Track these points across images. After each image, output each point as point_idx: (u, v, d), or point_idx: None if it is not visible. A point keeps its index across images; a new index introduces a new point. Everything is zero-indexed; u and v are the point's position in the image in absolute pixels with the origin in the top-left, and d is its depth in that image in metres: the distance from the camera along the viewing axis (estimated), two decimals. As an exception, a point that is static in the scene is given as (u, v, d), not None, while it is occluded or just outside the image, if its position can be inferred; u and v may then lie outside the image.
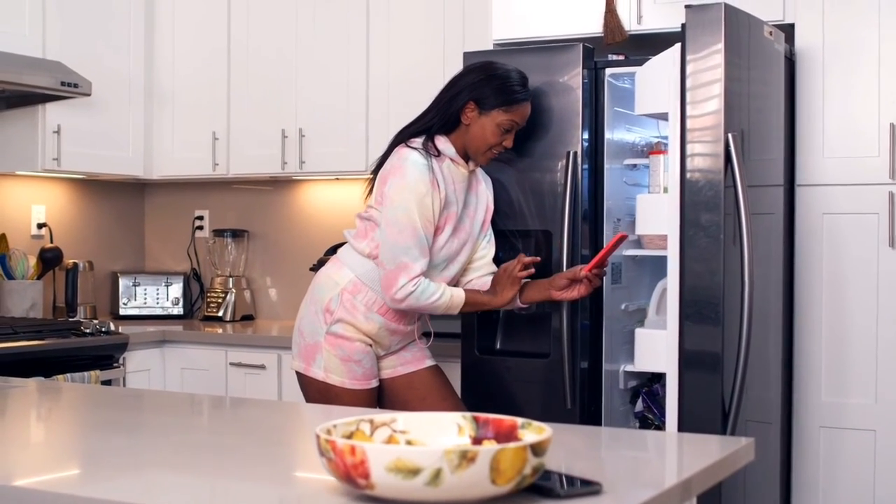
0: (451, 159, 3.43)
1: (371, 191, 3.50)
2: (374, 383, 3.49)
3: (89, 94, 4.55)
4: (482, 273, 3.59)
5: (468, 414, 1.89)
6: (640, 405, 3.83)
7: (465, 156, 3.49)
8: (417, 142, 3.40)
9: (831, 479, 3.77)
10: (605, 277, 3.69)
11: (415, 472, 1.59)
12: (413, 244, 3.30)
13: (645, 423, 3.76)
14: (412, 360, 3.59)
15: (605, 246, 3.48)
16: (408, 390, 3.57)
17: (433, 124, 3.44)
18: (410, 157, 3.34)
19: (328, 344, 3.44)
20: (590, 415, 3.71)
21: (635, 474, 2.06)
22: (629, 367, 3.69)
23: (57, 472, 2.00)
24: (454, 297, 3.40)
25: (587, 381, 3.69)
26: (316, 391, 3.47)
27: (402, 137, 3.46)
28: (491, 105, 3.40)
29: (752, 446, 2.24)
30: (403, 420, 1.89)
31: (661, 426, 3.59)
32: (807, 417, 3.79)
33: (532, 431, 1.80)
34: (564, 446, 2.27)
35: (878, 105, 3.69)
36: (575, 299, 3.48)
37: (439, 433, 1.88)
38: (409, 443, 1.87)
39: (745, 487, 3.54)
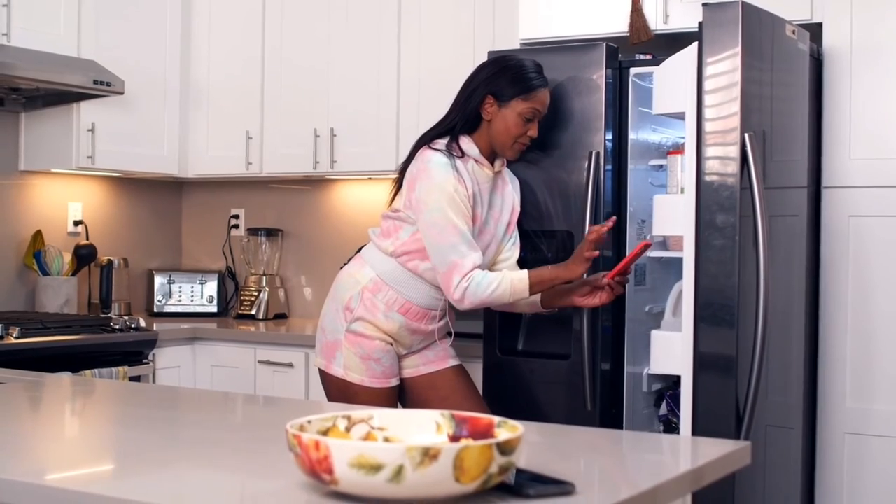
0: (475, 160, 3.41)
1: (397, 191, 3.49)
2: (394, 382, 3.48)
3: (122, 93, 4.60)
4: None
5: (447, 412, 1.88)
6: (664, 408, 3.79)
7: (491, 156, 3.46)
8: (440, 143, 3.39)
9: (856, 486, 3.71)
10: (629, 280, 3.67)
11: (377, 468, 1.58)
12: (458, 241, 3.28)
13: (669, 427, 3.72)
14: (435, 360, 3.58)
15: (628, 253, 3.45)
16: (430, 390, 3.55)
17: (455, 125, 3.43)
18: (434, 159, 3.33)
19: (348, 342, 3.44)
20: (611, 417, 3.68)
21: (616, 476, 2.04)
22: (649, 370, 3.65)
23: (70, 469, 2.01)
24: (515, 283, 3.30)
25: (609, 383, 3.66)
26: (336, 389, 3.48)
27: (425, 140, 3.45)
28: (509, 95, 3.38)
29: (748, 450, 2.21)
30: (381, 417, 1.88)
31: (683, 430, 3.55)
32: (831, 423, 3.73)
33: (507, 430, 1.79)
34: (554, 447, 2.26)
35: (905, 106, 3.64)
36: (596, 306, 3.45)
37: (417, 431, 1.87)
38: (386, 440, 1.86)
39: (765, 493, 3.49)
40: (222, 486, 1.87)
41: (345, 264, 4.62)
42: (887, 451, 3.66)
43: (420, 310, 3.46)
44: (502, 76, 3.39)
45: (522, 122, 3.40)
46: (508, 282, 3.31)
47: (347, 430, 1.85)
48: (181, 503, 1.70)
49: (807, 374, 3.69)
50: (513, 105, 3.38)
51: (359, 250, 4.95)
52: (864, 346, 3.69)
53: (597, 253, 3.30)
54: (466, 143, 3.42)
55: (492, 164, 3.46)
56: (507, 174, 3.59)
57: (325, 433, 1.81)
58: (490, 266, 3.55)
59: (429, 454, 1.58)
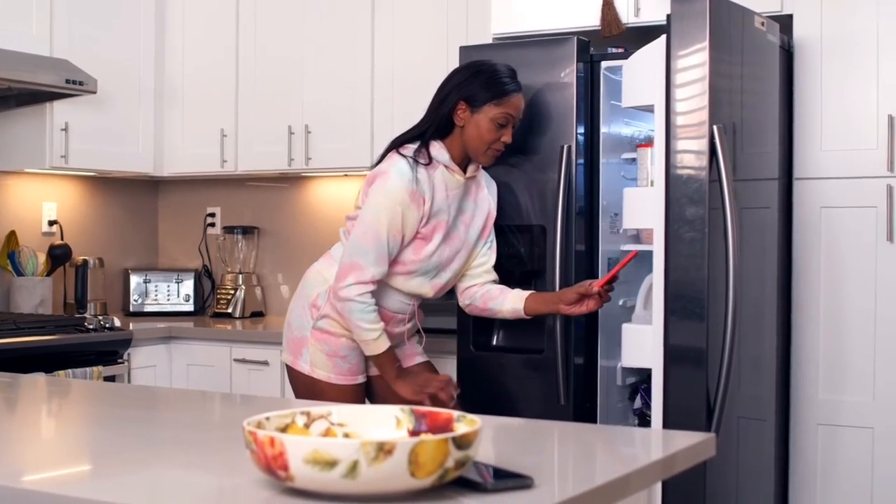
0: (446, 166, 3.38)
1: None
2: (361, 379, 3.48)
3: (95, 92, 4.58)
4: (482, 280, 3.54)
5: (406, 407, 1.88)
6: (638, 402, 3.80)
7: (464, 161, 3.43)
8: (410, 148, 3.36)
9: (829, 476, 3.71)
10: (600, 272, 3.67)
11: (332, 464, 1.58)
12: (371, 248, 3.28)
13: (643, 420, 3.72)
14: (402, 357, 3.56)
15: (618, 263, 3.45)
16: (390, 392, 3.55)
17: (426, 130, 3.39)
18: (397, 165, 3.31)
19: (314, 339, 3.44)
20: (585, 411, 3.68)
21: (576, 469, 2.04)
22: (621, 364, 3.65)
23: (46, 471, 2.00)
24: (377, 343, 3.32)
25: (582, 377, 3.66)
26: (303, 385, 3.48)
27: (396, 144, 3.43)
28: (482, 101, 3.35)
29: (713, 442, 2.20)
30: (340, 412, 1.87)
31: (658, 423, 3.56)
32: (804, 414, 3.74)
33: (465, 424, 1.78)
34: (522, 441, 2.26)
35: (876, 97, 3.64)
36: (583, 314, 3.44)
37: (377, 426, 1.87)
38: (346, 435, 1.86)
39: (738, 484, 3.50)
40: (181, 485, 1.86)
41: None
42: (859, 441, 3.66)
43: (387, 313, 3.44)
44: (475, 81, 3.36)
45: (495, 128, 3.36)
46: (376, 336, 3.30)
47: (307, 426, 1.84)
48: (134, 501, 1.68)
49: (779, 366, 3.70)
50: (485, 110, 3.35)
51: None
52: (836, 337, 3.70)
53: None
54: (437, 149, 3.38)
55: (465, 169, 3.44)
56: (484, 178, 3.56)
57: (283, 430, 1.81)
58: (465, 271, 3.53)
59: (383, 449, 1.57)
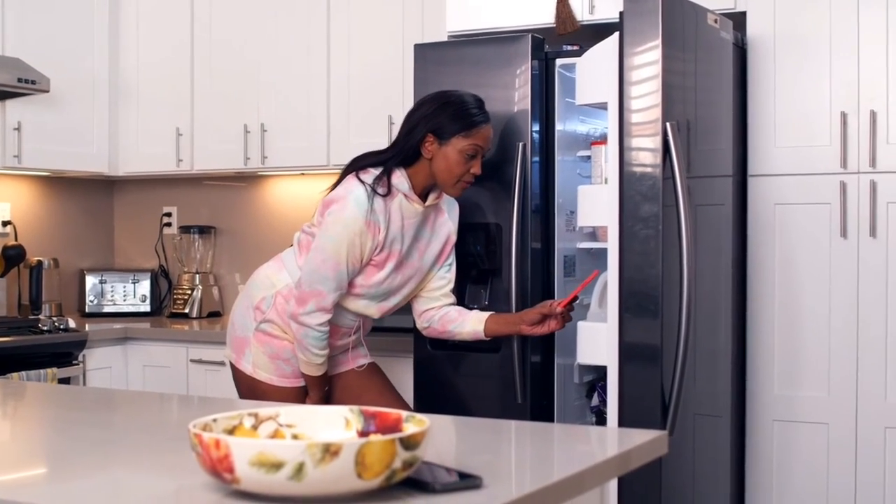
0: (405, 195, 3.33)
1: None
2: (303, 382, 3.45)
3: (48, 91, 4.54)
4: (440, 303, 3.52)
5: (356, 408, 1.86)
6: (595, 399, 3.80)
7: (426, 189, 3.39)
8: (371, 174, 3.30)
9: (785, 471, 3.73)
10: (556, 269, 3.67)
11: (277, 466, 1.56)
12: (332, 277, 3.27)
13: (601, 417, 3.72)
14: (346, 361, 3.54)
15: (580, 284, 3.45)
16: (343, 390, 3.53)
17: (389, 158, 3.33)
18: (354, 192, 3.26)
19: (257, 340, 3.43)
20: (543, 409, 3.68)
21: (526, 468, 2.04)
22: (577, 361, 3.65)
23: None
24: (319, 368, 3.37)
25: (540, 375, 3.66)
26: (245, 385, 3.47)
27: (357, 165, 3.36)
28: (450, 133, 3.30)
29: (665, 440, 2.20)
30: (288, 414, 1.86)
31: (615, 420, 3.56)
32: (760, 410, 3.76)
33: (414, 424, 1.77)
34: (475, 440, 2.25)
35: (829, 94, 3.66)
36: (545, 334, 3.43)
37: (325, 427, 1.86)
38: (295, 437, 1.84)
39: (695, 480, 3.51)
40: (131, 488, 1.84)
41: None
42: (814, 437, 3.68)
43: (333, 326, 3.42)
44: (443, 113, 3.31)
45: (464, 160, 3.31)
46: (321, 362, 3.34)
47: (255, 427, 1.83)
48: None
49: (735, 363, 3.71)
50: (454, 143, 3.30)
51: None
52: (791, 333, 3.72)
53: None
54: (398, 177, 3.32)
55: (425, 196, 3.39)
56: (445, 202, 3.50)
57: (231, 432, 1.79)
58: (421, 293, 3.51)
59: (329, 451, 1.56)
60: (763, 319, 3.75)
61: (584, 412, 3.83)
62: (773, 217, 3.73)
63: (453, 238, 3.52)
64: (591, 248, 3.78)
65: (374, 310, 3.43)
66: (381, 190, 3.27)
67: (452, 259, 3.53)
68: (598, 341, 3.31)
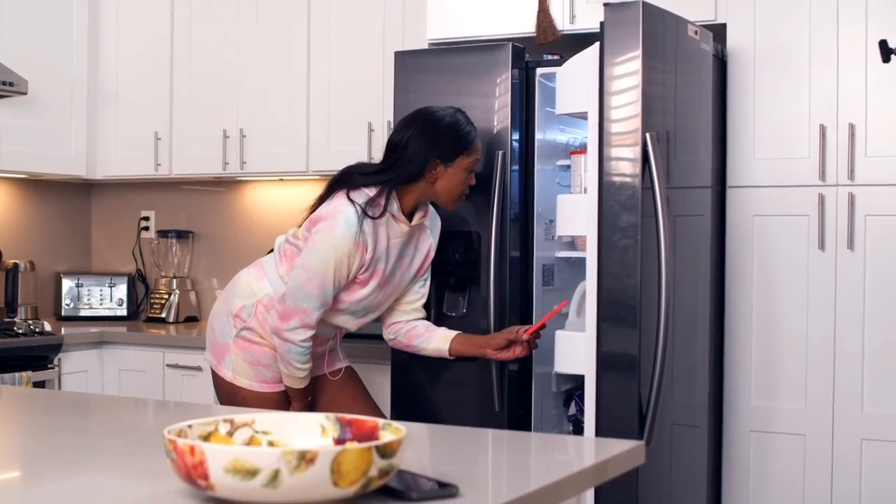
0: (393, 215, 3.32)
1: (313, 208, 3.39)
2: (283, 387, 3.44)
3: (25, 93, 4.52)
4: (410, 317, 3.51)
5: (332, 415, 1.86)
6: (573, 408, 3.80)
7: (411, 210, 3.38)
8: (363, 194, 3.27)
9: (761, 482, 3.74)
10: (535, 278, 3.67)
11: (252, 473, 1.55)
12: (317, 295, 3.26)
13: (578, 426, 3.72)
14: (321, 365, 3.53)
15: (547, 313, 3.47)
16: (319, 393, 3.53)
17: (388, 180, 3.30)
18: (345, 213, 3.23)
19: (237, 347, 3.41)
20: (520, 418, 3.67)
21: (503, 477, 2.03)
22: (555, 370, 3.65)
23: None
24: (302, 381, 3.38)
25: (517, 384, 3.65)
26: (224, 391, 3.46)
27: (349, 182, 3.32)
28: (454, 155, 3.32)
29: (643, 450, 2.20)
30: (264, 420, 1.85)
31: (591, 429, 3.56)
32: (737, 421, 3.76)
33: (390, 433, 1.76)
34: (451, 449, 2.24)
35: (808, 106, 3.67)
36: (509, 360, 3.43)
37: (301, 434, 1.84)
38: (270, 443, 1.83)
39: (671, 490, 3.51)
40: (105, 493, 1.83)
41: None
42: (791, 447, 3.69)
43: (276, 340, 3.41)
44: (444, 138, 3.31)
45: (468, 176, 3.37)
46: (302, 376, 3.36)
47: (230, 433, 1.82)
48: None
49: (712, 373, 3.72)
50: (459, 163, 3.33)
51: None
52: (768, 344, 3.72)
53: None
54: (391, 199, 3.31)
55: (410, 217, 3.39)
56: (429, 219, 3.50)
57: (206, 438, 1.78)
58: (394, 306, 3.50)
59: (305, 458, 1.55)
60: (741, 330, 3.75)
61: (561, 421, 3.83)
62: (752, 228, 3.74)
63: (433, 253, 3.52)
64: (570, 258, 3.78)
65: (352, 324, 3.44)
66: (372, 212, 3.25)
67: (428, 274, 3.54)
68: (576, 350, 3.31)
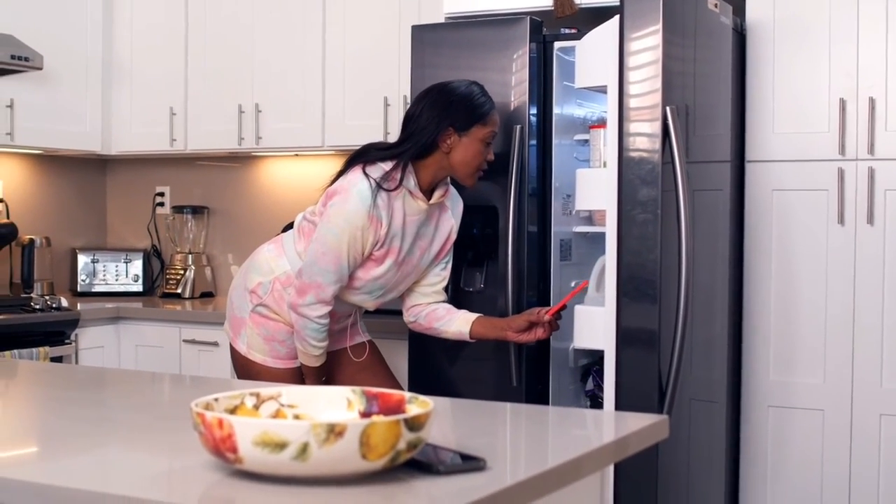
0: (410, 192, 3.29)
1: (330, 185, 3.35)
2: (298, 363, 3.44)
3: (41, 68, 4.51)
4: (430, 300, 3.48)
5: (358, 388, 1.86)
6: (590, 383, 3.79)
7: (430, 187, 3.34)
8: (379, 169, 3.24)
9: (779, 458, 3.73)
10: (553, 253, 3.66)
11: (282, 445, 1.55)
12: (332, 269, 3.23)
13: (595, 402, 3.72)
14: (342, 338, 3.52)
15: (569, 292, 3.45)
16: (338, 367, 3.52)
17: (404, 151, 3.27)
18: (358, 186, 3.21)
19: (252, 322, 3.41)
20: (537, 393, 3.67)
21: (529, 451, 2.03)
22: (574, 345, 3.64)
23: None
24: (317, 359, 3.36)
25: (535, 359, 3.65)
26: (240, 364, 3.47)
27: (365, 157, 3.30)
28: (469, 123, 3.27)
29: (667, 424, 2.20)
30: (290, 394, 1.85)
31: (609, 405, 3.55)
32: (755, 396, 3.76)
33: (417, 406, 1.76)
34: (474, 423, 2.24)
35: (828, 80, 3.65)
36: (531, 342, 3.41)
37: (327, 407, 1.85)
38: (296, 417, 1.83)
39: (689, 465, 3.51)
40: (129, 467, 1.83)
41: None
42: (809, 423, 3.69)
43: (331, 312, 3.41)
44: (458, 106, 3.27)
45: (484, 148, 3.31)
46: (318, 353, 3.33)
47: (256, 407, 1.82)
48: (75, 484, 1.65)
49: (731, 348, 3.71)
50: (474, 132, 3.27)
51: (288, 227, 4.91)
52: (787, 319, 3.71)
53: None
54: (407, 173, 3.28)
55: (429, 194, 3.35)
56: (450, 199, 3.46)
57: (232, 411, 1.78)
58: (414, 288, 3.48)
59: (334, 431, 1.55)
60: (759, 305, 3.74)
61: (578, 396, 3.82)
62: (771, 203, 3.72)
63: (454, 236, 3.49)
64: (587, 233, 3.77)
65: (370, 303, 3.43)
66: (388, 185, 3.22)
67: (450, 257, 3.50)
68: (595, 325, 3.31)
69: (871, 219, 3.59)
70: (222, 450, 1.60)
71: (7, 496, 1.64)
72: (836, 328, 3.64)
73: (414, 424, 1.62)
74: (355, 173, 3.25)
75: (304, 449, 1.55)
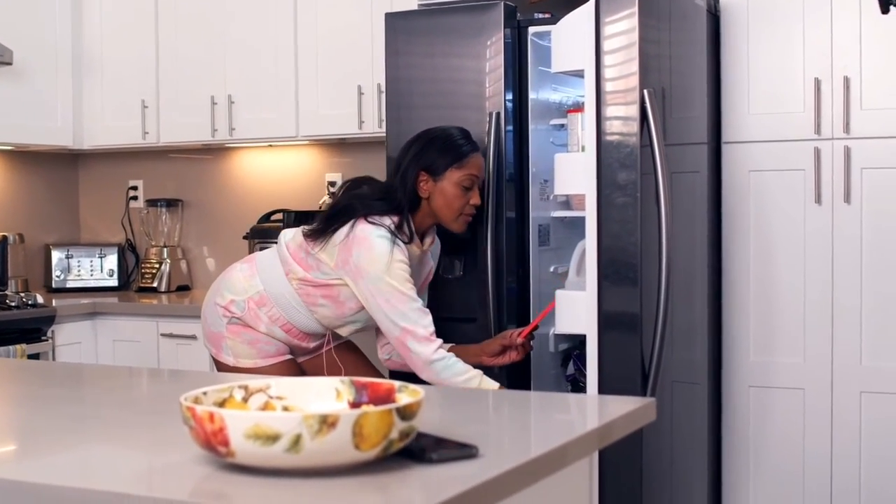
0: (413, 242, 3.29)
1: (322, 231, 3.25)
2: (289, 356, 3.41)
3: (11, 63, 4.47)
4: None
5: (346, 378, 1.84)
6: (570, 368, 3.79)
7: (421, 234, 3.34)
8: (383, 222, 3.20)
9: (761, 437, 3.75)
10: (531, 238, 3.65)
11: (274, 438, 1.54)
12: (407, 308, 3.14)
13: (576, 386, 3.72)
14: (324, 344, 3.49)
15: (539, 313, 3.45)
16: (321, 368, 3.49)
17: (402, 203, 3.24)
18: (375, 232, 3.16)
19: (230, 333, 3.35)
20: (518, 379, 3.66)
21: (520, 437, 2.03)
22: (555, 330, 3.64)
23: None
24: (486, 384, 3.16)
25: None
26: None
27: (365, 208, 3.22)
28: (442, 167, 3.26)
29: (654, 407, 2.20)
30: (279, 385, 1.84)
31: (591, 389, 3.56)
32: (736, 377, 3.77)
33: (407, 395, 1.75)
34: (459, 410, 2.23)
35: (802, 60, 3.66)
36: (506, 365, 3.38)
37: (316, 398, 1.83)
38: (285, 409, 1.82)
39: (673, 447, 3.52)
40: (112, 463, 1.81)
41: (248, 234, 4.59)
42: (789, 402, 3.70)
43: (303, 333, 3.38)
44: (430, 149, 3.27)
45: (462, 192, 3.27)
46: (478, 382, 3.15)
47: (245, 400, 1.80)
48: (66, 482, 1.63)
49: (711, 330, 3.72)
50: (448, 176, 3.26)
51: (264, 218, 4.90)
52: (766, 300, 3.73)
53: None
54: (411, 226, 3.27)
55: (422, 240, 3.35)
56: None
57: (221, 404, 1.77)
58: None
59: (327, 422, 1.54)
60: (738, 286, 3.75)
61: (559, 381, 3.82)
62: (748, 184, 3.73)
63: (430, 277, 3.50)
64: (565, 217, 3.77)
65: (347, 331, 3.40)
66: (403, 238, 3.20)
67: (426, 296, 3.49)
68: (576, 310, 3.30)
69: (847, 197, 3.61)
70: (214, 443, 1.59)
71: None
72: (816, 307, 3.66)
73: (406, 413, 1.61)
74: (361, 227, 3.18)
75: (297, 441, 1.54)
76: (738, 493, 3.79)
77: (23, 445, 1.95)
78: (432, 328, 3.18)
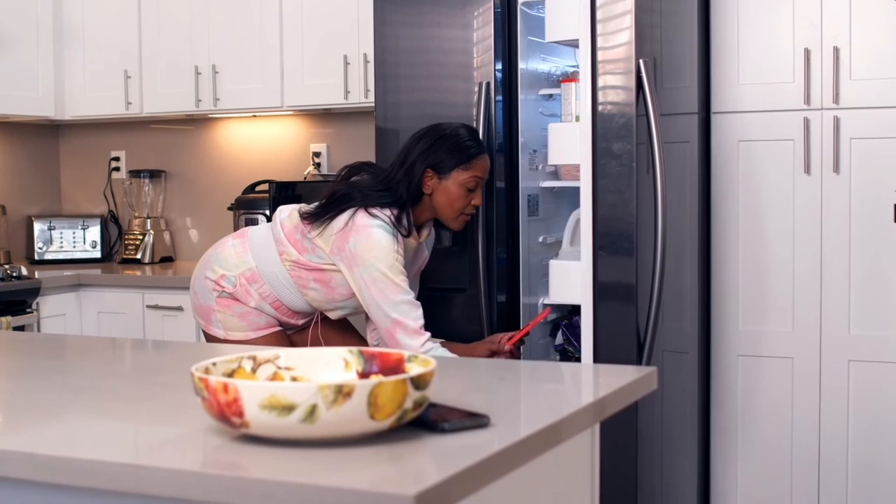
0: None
1: (319, 217, 3.23)
2: (280, 327, 3.40)
3: (-8, 33, 4.42)
4: None
5: (355, 349, 1.84)
6: (560, 338, 3.80)
7: (418, 226, 3.33)
8: (383, 214, 3.19)
9: (750, 406, 3.77)
10: (521, 209, 3.65)
11: (289, 408, 1.54)
12: (399, 294, 3.14)
13: (565, 356, 3.73)
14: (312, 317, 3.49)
15: (531, 321, 3.45)
16: (306, 340, 3.48)
17: (402, 198, 3.23)
18: (374, 223, 3.15)
19: (220, 306, 3.34)
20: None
21: (528, 406, 2.03)
22: (548, 300, 3.64)
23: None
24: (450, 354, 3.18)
25: (505, 314, 3.65)
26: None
27: (365, 198, 3.21)
28: (449, 167, 3.25)
29: (655, 375, 2.21)
30: (288, 356, 1.83)
31: (580, 359, 3.56)
32: (725, 346, 3.78)
33: (418, 365, 1.75)
34: (465, 379, 2.23)
35: (792, 30, 3.66)
36: None
37: (325, 369, 1.83)
38: (294, 379, 1.82)
39: (663, 416, 3.53)
40: (120, 435, 1.80)
41: (233, 205, 4.55)
42: (778, 371, 3.72)
43: (292, 311, 3.37)
44: (439, 148, 3.25)
45: (465, 193, 3.28)
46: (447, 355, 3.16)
47: (253, 370, 1.80)
48: (79, 454, 1.62)
49: (700, 299, 3.73)
50: (454, 176, 3.26)
51: (250, 189, 4.87)
52: (755, 269, 3.74)
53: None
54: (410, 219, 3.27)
55: (419, 232, 3.34)
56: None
57: (230, 375, 1.76)
58: None
59: (342, 392, 1.53)
60: (728, 256, 3.76)
61: (548, 351, 3.83)
62: (738, 154, 3.73)
63: (424, 265, 3.50)
64: (554, 188, 3.77)
65: (336, 315, 3.40)
66: (403, 231, 3.20)
67: (417, 285, 3.48)
68: (570, 280, 3.31)
69: (836, 168, 3.62)
70: (227, 414, 1.58)
71: (8, 468, 1.61)
72: (804, 276, 3.67)
73: (420, 383, 1.61)
74: (360, 218, 3.17)
75: (313, 411, 1.53)
76: (727, 459, 3.81)
77: (19, 418, 1.92)
78: (422, 321, 3.18)
